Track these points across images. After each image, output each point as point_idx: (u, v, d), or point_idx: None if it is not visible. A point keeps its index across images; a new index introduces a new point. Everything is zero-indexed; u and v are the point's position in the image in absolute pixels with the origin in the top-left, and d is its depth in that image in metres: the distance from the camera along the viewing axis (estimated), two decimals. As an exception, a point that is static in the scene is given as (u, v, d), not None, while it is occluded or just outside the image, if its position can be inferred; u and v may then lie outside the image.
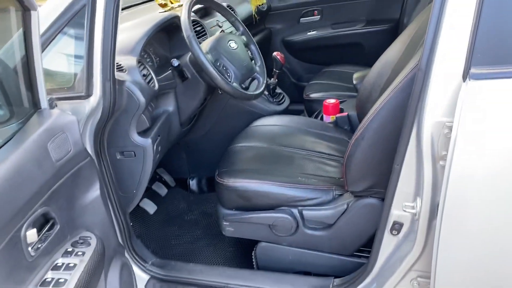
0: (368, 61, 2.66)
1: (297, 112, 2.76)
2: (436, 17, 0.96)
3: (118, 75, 1.31)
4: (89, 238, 1.12)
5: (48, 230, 1.00)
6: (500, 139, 0.92)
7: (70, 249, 1.07)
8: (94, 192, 1.18)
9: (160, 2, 1.96)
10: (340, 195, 1.43)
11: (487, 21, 0.91)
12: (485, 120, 0.92)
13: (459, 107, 0.93)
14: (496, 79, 0.91)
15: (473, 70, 0.93)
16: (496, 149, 0.92)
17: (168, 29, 1.74)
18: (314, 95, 2.27)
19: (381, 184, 1.28)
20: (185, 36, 1.44)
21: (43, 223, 1.00)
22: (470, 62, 0.93)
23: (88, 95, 1.22)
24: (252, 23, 2.54)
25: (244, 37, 1.77)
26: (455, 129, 0.93)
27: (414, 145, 1.08)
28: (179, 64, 1.57)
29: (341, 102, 2.02)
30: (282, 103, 2.15)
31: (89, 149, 1.24)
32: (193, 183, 2.23)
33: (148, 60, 1.65)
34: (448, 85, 0.98)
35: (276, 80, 2.13)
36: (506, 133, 0.91)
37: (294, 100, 2.51)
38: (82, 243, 1.09)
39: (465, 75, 0.94)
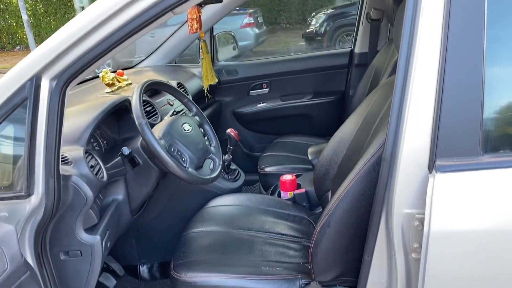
0: (317, 132, 2.73)
1: (252, 183, 2.72)
2: (397, 112, 0.96)
3: (63, 169, 1.20)
4: None
5: None
6: (473, 233, 0.91)
7: None
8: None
9: (107, 82, 1.90)
10: (307, 283, 1.35)
11: (449, 113, 0.92)
12: (457, 213, 0.91)
13: (429, 201, 0.91)
14: (462, 171, 0.91)
15: (438, 162, 0.92)
16: (471, 243, 0.91)
17: (116, 111, 1.66)
18: (269, 169, 2.24)
19: (351, 273, 1.23)
20: (137, 123, 1.37)
21: None
22: (435, 154, 0.93)
23: (28, 194, 1.09)
24: (204, 97, 2.52)
25: (197, 118, 1.73)
26: (427, 223, 0.91)
27: (384, 235, 1.05)
28: (130, 152, 1.48)
29: (297, 176, 2.00)
30: (238, 179, 2.09)
31: (29, 254, 1.10)
32: (144, 270, 2.06)
33: (95, 145, 1.55)
34: (414, 176, 0.96)
35: (231, 157, 2.08)
36: (478, 226, 0.90)
37: (248, 170, 2.48)
38: None
39: (431, 167, 0.93)
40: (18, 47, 15.05)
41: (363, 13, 2.63)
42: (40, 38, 14.32)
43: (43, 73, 1.07)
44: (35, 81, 1.06)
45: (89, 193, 1.23)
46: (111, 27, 1.04)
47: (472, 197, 0.91)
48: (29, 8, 13.80)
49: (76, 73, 1.09)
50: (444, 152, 0.93)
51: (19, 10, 11.49)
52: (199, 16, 1.69)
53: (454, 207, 0.91)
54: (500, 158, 0.93)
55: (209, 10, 2.41)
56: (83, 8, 13.44)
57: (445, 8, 0.91)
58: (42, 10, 14.51)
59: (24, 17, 11.11)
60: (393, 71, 1.87)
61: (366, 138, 1.43)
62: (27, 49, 13.48)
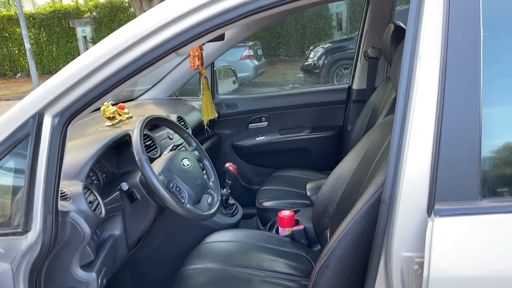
0: (315, 166, 2.74)
1: (250, 217, 2.71)
2: (395, 154, 0.97)
3: (62, 205, 1.20)
4: None
5: None
6: (472, 278, 0.90)
7: None
8: None
9: (108, 115, 1.91)
10: (305, 324, 1.33)
11: (447, 157, 0.93)
12: (456, 258, 0.90)
13: (428, 245, 0.91)
14: (461, 215, 0.91)
15: (437, 206, 0.93)
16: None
17: (116, 145, 1.67)
18: (267, 204, 2.23)
19: (349, 315, 1.21)
20: (136, 159, 1.38)
21: None
22: (433, 198, 0.93)
23: (26, 230, 1.08)
24: (203, 129, 2.54)
25: (196, 152, 1.74)
26: (426, 267, 0.91)
27: (383, 277, 1.04)
28: (129, 188, 1.48)
29: (295, 212, 1.99)
30: (235, 214, 2.08)
31: None
32: (139, 306, 2.02)
33: (94, 179, 1.55)
34: (413, 220, 0.96)
35: (229, 191, 2.08)
36: (477, 272, 0.90)
37: (246, 204, 2.47)
38: None
39: (430, 211, 0.93)
40: (19, 75, 15.21)
41: (361, 51, 2.69)
42: (41, 66, 14.50)
43: (46, 110, 1.09)
44: (37, 118, 1.08)
45: (87, 229, 1.22)
46: (115, 67, 1.06)
47: (472, 242, 0.91)
48: (32, 37, 14.02)
49: (78, 110, 1.10)
50: (443, 196, 0.93)
51: (22, 38, 11.67)
52: (201, 53, 1.73)
53: (453, 252, 0.91)
54: (498, 203, 0.93)
55: (210, 46, 2.46)
56: (85, 37, 13.67)
57: (442, 52, 0.94)
58: (45, 39, 14.74)
59: (27, 46, 11.27)
60: (391, 110, 1.90)
61: (365, 176, 1.44)
62: (28, 76, 13.61)
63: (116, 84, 1.08)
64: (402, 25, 1.96)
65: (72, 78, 1.08)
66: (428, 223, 0.92)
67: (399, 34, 1.90)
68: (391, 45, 1.93)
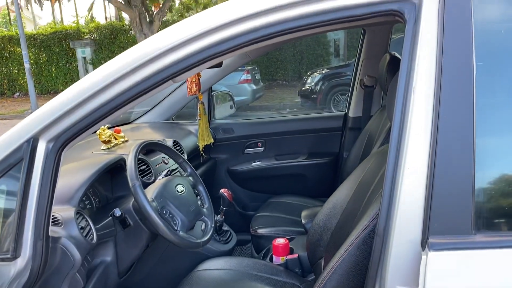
0: (311, 192, 2.73)
1: (244, 243, 2.68)
2: (389, 187, 0.97)
3: (53, 230, 1.18)
4: None
5: None
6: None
7: None
8: None
9: (104, 139, 1.91)
10: None
11: (440, 190, 0.93)
12: (450, 293, 0.89)
13: (422, 279, 0.90)
14: (455, 250, 0.91)
15: (431, 240, 0.92)
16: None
17: (111, 169, 1.66)
18: (261, 231, 2.21)
19: None
20: (130, 185, 1.37)
21: None
22: (427, 231, 0.93)
23: (15, 256, 1.06)
24: (199, 154, 2.54)
25: (191, 178, 1.73)
26: (420, 303, 0.89)
27: (377, 311, 1.03)
28: (121, 214, 1.47)
29: (290, 240, 1.97)
30: (229, 241, 2.06)
31: None
32: (128, 334, 1.97)
33: (87, 203, 1.53)
34: (407, 253, 0.95)
35: (223, 218, 2.06)
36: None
37: (240, 229, 2.44)
38: None
39: (424, 245, 0.93)
40: (17, 94, 15.26)
41: (357, 79, 2.72)
42: (40, 86, 14.58)
43: (41, 135, 1.09)
44: (31, 143, 1.07)
45: (77, 256, 1.21)
46: (112, 93, 1.07)
47: (465, 277, 0.90)
48: (32, 57, 14.14)
49: (73, 136, 1.10)
50: (437, 229, 0.93)
51: (22, 58, 11.76)
52: (198, 79, 1.74)
53: (447, 287, 0.90)
54: (492, 237, 0.93)
55: (208, 72, 2.49)
56: (85, 58, 13.79)
57: (436, 85, 0.94)
58: (44, 59, 14.87)
59: (26, 65, 11.35)
60: (386, 139, 1.91)
61: (360, 206, 1.43)
62: (26, 96, 13.66)
63: (112, 111, 1.09)
64: (397, 55, 1.99)
65: (69, 104, 1.08)
66: (422, 257, 0.91)
67: (395, 64, 1.92)
68: (386, 75, 1.95)
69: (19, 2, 12.36)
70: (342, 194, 1.64)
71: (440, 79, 0.94)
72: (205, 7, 19.79)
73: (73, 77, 14.27)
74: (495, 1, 1.00)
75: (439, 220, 0.93)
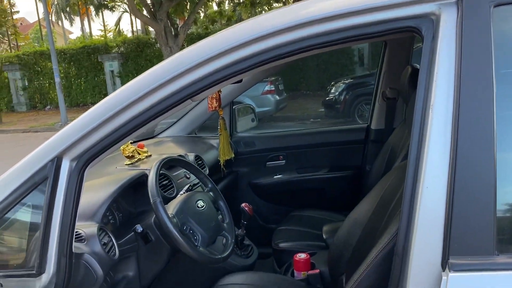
0: (333, 206, 2.69)
1: (266, 256, 2.66)
2: (408, 206, 0.96)
3: (76, 246, 1.21)
4: None
5: None
6: None
7: None
8: None
9: (127, 154, 1.95)
10: None
11: (461, 209, 0.91)
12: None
13: (442, 302, 0.88)
14: (477, 271, 0.88)
15: (452, 260, 0.90)
16: None
17: (134, 184, 1.70)
18: (283, 245, 2.21)
19: None
20: (151, 201, 1.40)
21: None
22: (448, 251, 0.91)
23: (40, 272, 1.10)
24: (219, 168, 2.56)
25: (212, 193, 1.75)
26: (441, 326, 0.87)
27: (397, 333, 1.01)
28: (143, 229, 1.50)
29: (311, 255, 1.96)
30: (251, 255, 2.06)
31: None
32: None
33: (110, 218, 1.57)
34: (427, 274, 0.93)
35: (244, 232, 2.06)
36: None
37: (262, 243, 2.43)
38: None
39: (444, 265, 0.91)
40: (48, 107, 15.76)
41: (379, 91, 2.69)
42: (70, 99, 15.01)
43: (64, 154, 1.12)
44: (56, 162, 1.11)
45: (100, 272, 1.23)
46: (131, 114, 1.09)
47: (488, 299, 0.87)
48: (62, 71, 14.60)
49: (96, 154, 1.13)
50: (458, 250, 0.90)
51: (53, 72, 12.14)
52: (219, 95, 1.76)
53: (469, 310, 0.87)
54: (516, 259, 0.90)
55: (228, 87, 2.51)
56: (112, 72, 14.13)
57: (455, 102, 0.93)
58: (74, 73, 15.33)
59: (57, 79, 11.71)
60: (407, 156, 1.88)
61: (381, 223, 1.41)
62: (56, 109, 14.08)
63: (132, 130, 1.11)
64: (419, 67, 1.96)
65: (91, 123, 1.11)
66: (443, 278, 0.89)
67: (416, 76, 1.89)
68: (408, 87, 1.93)
69: (50, 18, 12.80)
70: (363, 209, 1.62)
71: (459, 96, 0.92)
72: (229, 19, 20.04)
73: (101, 90, 14.66)
74: (514, 17, 0.98)
75: (459, 240, 0.91)
